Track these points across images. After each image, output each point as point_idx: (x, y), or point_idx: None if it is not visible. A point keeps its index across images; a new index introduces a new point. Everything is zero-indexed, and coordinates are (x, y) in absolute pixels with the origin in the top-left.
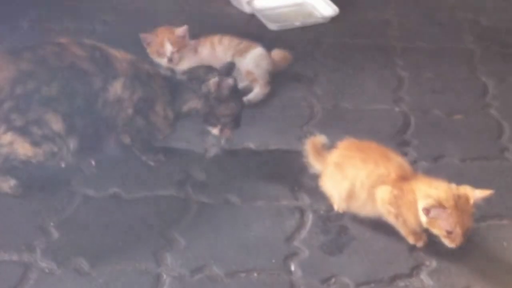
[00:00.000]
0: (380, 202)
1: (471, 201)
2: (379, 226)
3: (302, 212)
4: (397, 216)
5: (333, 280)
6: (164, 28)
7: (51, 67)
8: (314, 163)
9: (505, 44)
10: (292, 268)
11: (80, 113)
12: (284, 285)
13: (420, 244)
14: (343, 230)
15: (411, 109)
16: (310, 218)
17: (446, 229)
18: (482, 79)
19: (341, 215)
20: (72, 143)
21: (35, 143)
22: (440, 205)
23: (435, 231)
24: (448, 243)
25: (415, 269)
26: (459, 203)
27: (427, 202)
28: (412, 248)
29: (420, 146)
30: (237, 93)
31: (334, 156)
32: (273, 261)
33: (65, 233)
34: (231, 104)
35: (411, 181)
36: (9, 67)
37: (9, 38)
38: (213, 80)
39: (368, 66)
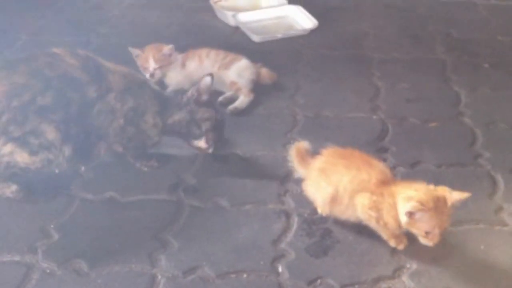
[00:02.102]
0: (361, 208)
1: (449, 203)
2: (362, 229)
3: (288, 215)
4: (378, 220)
5: (318, 281)
6: (153, 45)
7: (45, 77)
8: (298, 168)
9: (475, 55)
10: (280, 269)
11: (73, 121)
12: (272, 286)
13: (401, 246)
14: (327, 233)
15: (387, 117)
16: (295, 221)
17: (425, 230)
18: (455, 88)
19: (325, 219)
20: (67, 151)
21: (32, 152)
22: (422, 207)
23: (414, 231)
24: (425, 242)
25: (397, 271)
26: (438, 205)
27: (411, 205)
28: (394, 251)
29: (397, 152)
30: (213, 103)
31: (318, 162)
32: (262, 262)
33: (65, 235)
34: (210, 109)
35: (392, 186)
36: (4, 82)
37: (8, 50)
38: (191, 89)
39: (347, 76)
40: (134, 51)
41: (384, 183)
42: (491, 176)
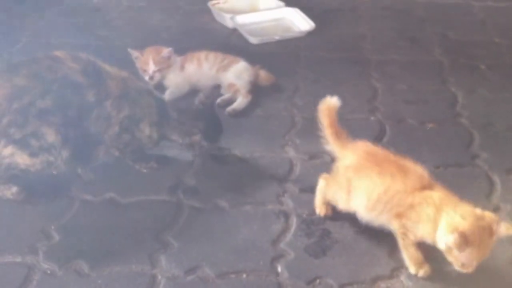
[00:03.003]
0: (396, 232)
1: (494, 236)
2: (360, 230)
3: (286, 216)
4: (407, 245)
5: (317, 281)
6: (152, 47)
7: (45, 81)
8: (332, 142)
9: (472, 57)
10: (279, 269)
11: (72, 124)
12: (272, 286)
13: (421, 273)
14: (326, 234)
15: (385, 118)
16: (294, 221)
17: (462, 262)
18: (452, 89)
19: (323, 219)
20: (65, 153)
21: (33, 154)
22: (465, 245)
23: (450, 259)
24: (460, 269)
25: (395, 271)
26: (483, 237)
27: (454, 240)
28: (392, 251)
29: (396, 153)
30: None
31: (352, 159)
32: (261, 263)
33: (66, 236)
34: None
35: (434, 192)
36: (5, 84)
37: (8, 52)
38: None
39: (345, 78)
40: (134, 53)
41: (422, 188)
42: (488, 176)
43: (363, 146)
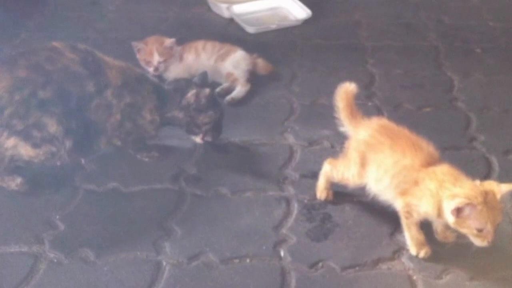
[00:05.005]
0: (400, 210)
1: (498, 196)
2: (360, 213)
3: (288, 201)
4: (410, 224)
5: (320, 264)
6: (154, 37)
7: (45, 71)
8: (346, 122)
9: (467, 41)
10: (282, 254)
11: (73, 115)
12: (275, 270)
13: (421, 254)
14: (327, 218)
15: (383, 104)
16: (295, 207)
17: (476, 228)
18: (448, 74)
19: (324, 204)
20: (68, 144)
21: (35, 145)
22: (469, 201)
23: (464, 230)
24: (478, 242)
25: (396, 253)
26: (488, 199)
27: (457, 201)
28: (393, 233)
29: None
30: (214, 102)
31: (364, 134)
32: (264, 247)
33: (71, 226)
34: (210, 113)
35: (435, 168)
36: (6, 76)
37: (8, 47)
38: (191, 93)
39: (342, 64)
40: (137, 45)
41: (428, 164)
42: (486, 158)
43: (378, 121)
